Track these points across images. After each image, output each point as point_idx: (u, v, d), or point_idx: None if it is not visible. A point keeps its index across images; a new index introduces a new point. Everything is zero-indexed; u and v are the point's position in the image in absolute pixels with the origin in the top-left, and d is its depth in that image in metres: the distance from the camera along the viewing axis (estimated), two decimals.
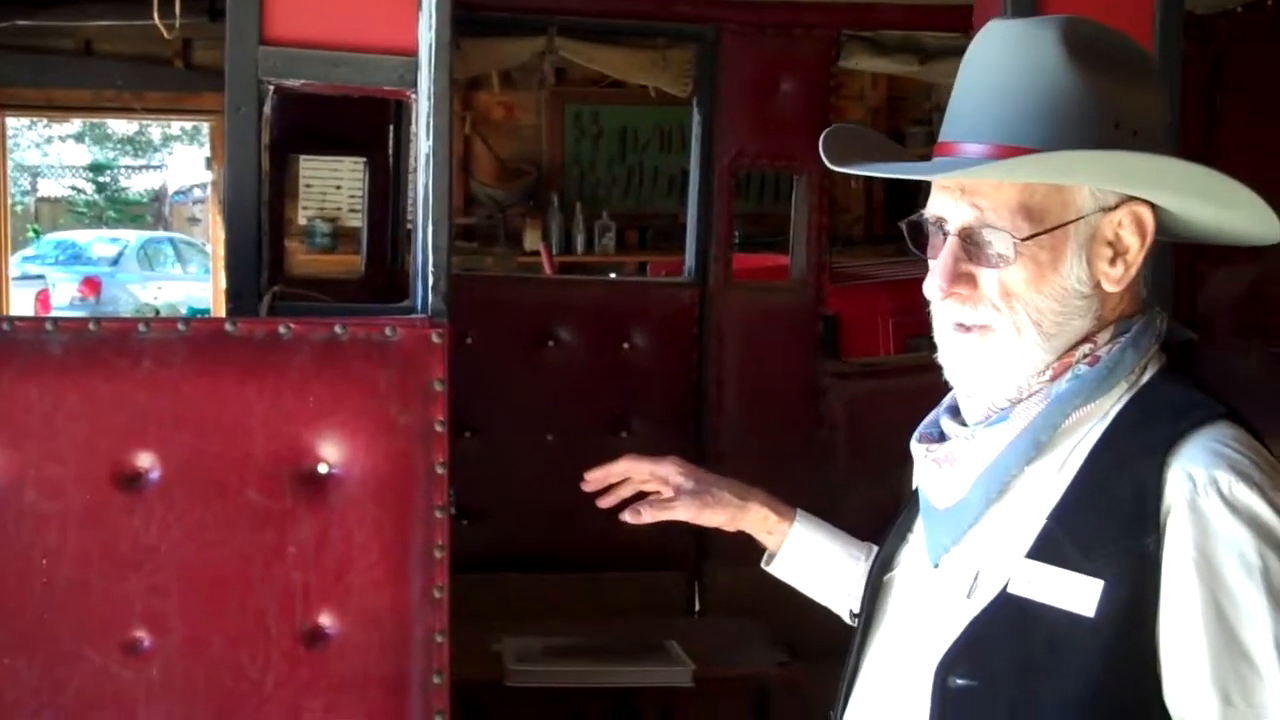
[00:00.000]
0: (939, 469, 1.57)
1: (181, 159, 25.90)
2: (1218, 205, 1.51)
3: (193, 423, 1.99)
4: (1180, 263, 2.87)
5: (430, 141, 2.14)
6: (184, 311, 15.20)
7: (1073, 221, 1.47)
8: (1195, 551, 1.38)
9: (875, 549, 1.81)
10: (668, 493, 1.95)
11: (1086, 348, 1.50)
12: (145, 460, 1.98)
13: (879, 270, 7.12)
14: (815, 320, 4.25)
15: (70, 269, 17.69)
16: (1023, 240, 1.45)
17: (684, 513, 1.94)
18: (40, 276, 16.48)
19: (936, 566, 1.57)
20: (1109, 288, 1.50)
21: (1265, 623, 1.37)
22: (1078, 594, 1.41)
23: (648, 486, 1.98)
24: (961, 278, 1.49)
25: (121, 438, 1.98)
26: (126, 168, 27.01)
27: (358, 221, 5.71)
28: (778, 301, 4.27)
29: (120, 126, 25.53)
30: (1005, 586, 1.47)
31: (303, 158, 7.46)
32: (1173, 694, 1.40)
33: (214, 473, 1.99)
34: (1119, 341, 1.51)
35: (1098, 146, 1.43)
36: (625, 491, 1.98)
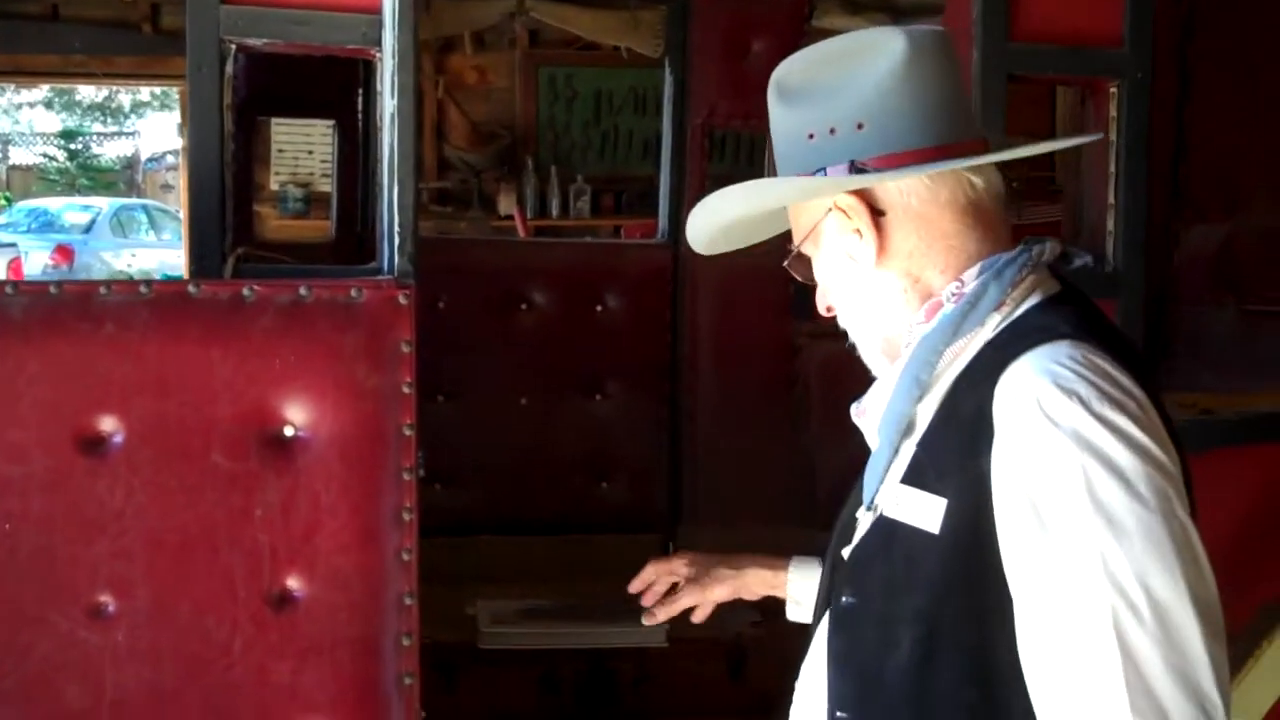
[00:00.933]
0: (861, 421, 1.71)
1: (154, 125, 25.74)
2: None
3: (156, 386, 1.97)
4: (1155, 221, 2.87)
5: (395, 100, 2.11)
6: (157, 278, 15.10)
7: (817, 224, 1.68)
8: (1017, 466, 1.43)
9: None
10: (672, 582, 2.21)
11: (953, 286, 1.59)
12: (109, 424, 1.96)
13: None
14: (788, 281, 4.21)
15: (43, 236, 17.55)
16: (795, 254, 1.74)
17: (689, 599, 2.18)
18: (12, 244, 16.34)
19: (869, 509, 1.63)
20: (872, 262, 1.62)
21: (1087, 530, 1.40)
22: (929, 512, 1.50)
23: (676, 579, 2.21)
24: (822, 296, 1.76)
25: (84, 402, 1.95)
26: (99, 135, 26.81)
27: (330, 186, 5.66)
28: (751, 262, 4.20)
29: (89, 92, 25.31)
30: (882, 511, 1.56)
31: (275, 122, 7.40)
32: (1016, 601, 1.45)
33: (178, 436, 1.97)
34: (981, 278, 1.58)
35: (797, 160, 1.66)
36: (660, 589, 2.22)
